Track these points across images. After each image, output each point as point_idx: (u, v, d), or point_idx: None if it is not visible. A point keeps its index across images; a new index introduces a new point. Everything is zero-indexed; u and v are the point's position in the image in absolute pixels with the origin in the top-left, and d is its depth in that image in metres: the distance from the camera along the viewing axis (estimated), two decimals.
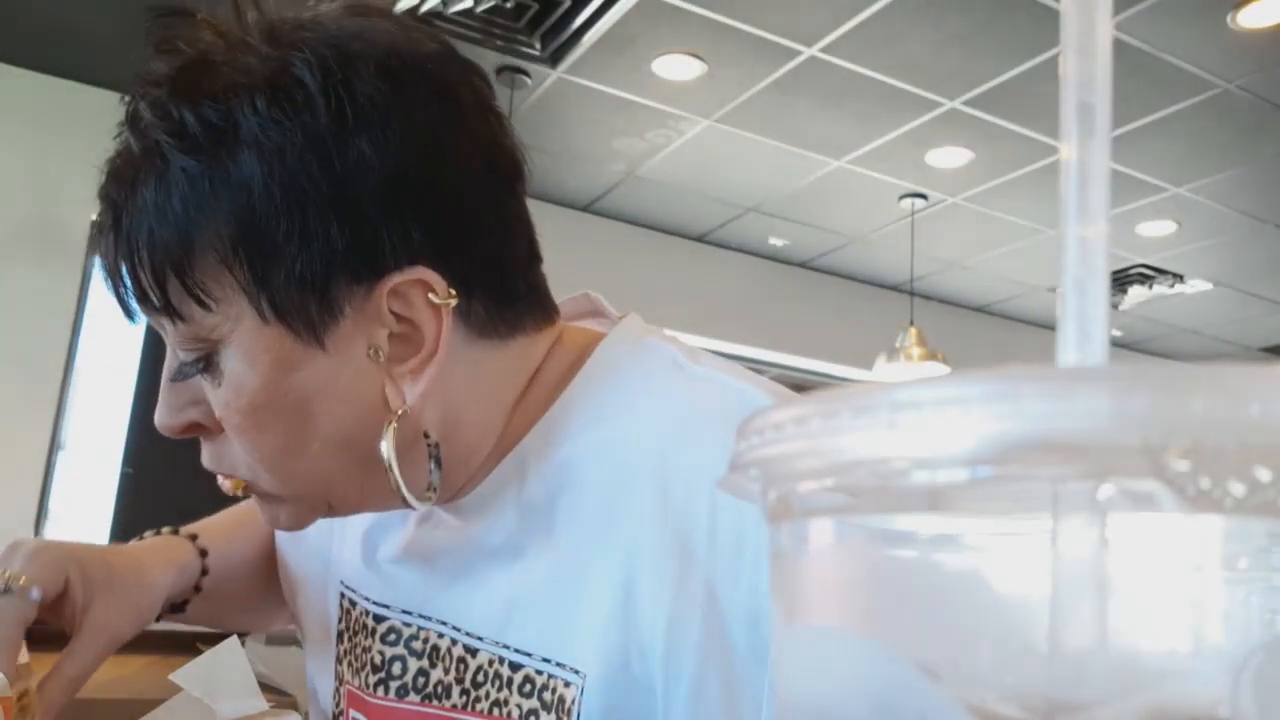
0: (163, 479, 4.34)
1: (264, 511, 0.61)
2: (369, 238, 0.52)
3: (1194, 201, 4.46)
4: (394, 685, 0.66)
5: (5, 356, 3.83)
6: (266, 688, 0.73)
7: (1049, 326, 4.63)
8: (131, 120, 0.55)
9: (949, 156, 4.20)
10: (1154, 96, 3.59)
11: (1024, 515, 0.20)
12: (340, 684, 0.72)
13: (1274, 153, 3.98)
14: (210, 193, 0.51)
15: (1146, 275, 5.37)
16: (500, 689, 0.60)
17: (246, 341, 0.53)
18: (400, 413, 0.54)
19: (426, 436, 0.56)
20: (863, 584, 0.23)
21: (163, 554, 0.73)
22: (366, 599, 0.71)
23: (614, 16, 3.35)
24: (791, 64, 3.50)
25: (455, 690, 0.63)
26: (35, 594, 0.62)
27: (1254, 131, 3.81)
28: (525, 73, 3.76)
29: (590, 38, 3.49)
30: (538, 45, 3.62)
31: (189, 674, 0.65)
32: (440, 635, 0.65)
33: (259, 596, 0.85)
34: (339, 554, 0.75)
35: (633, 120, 4.03)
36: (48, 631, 0.92)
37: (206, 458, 0.59)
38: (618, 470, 0.58)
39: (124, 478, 4.05)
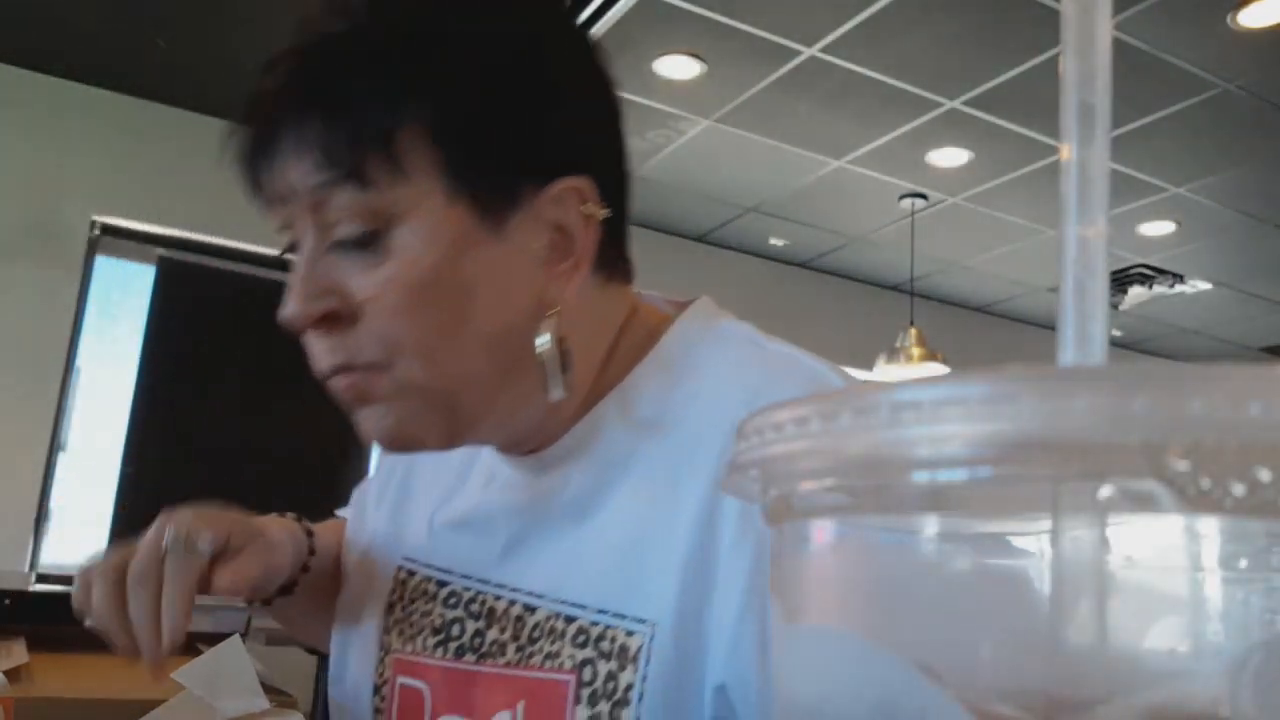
0: (163, 479, 4.35)
1: (371, 418, 0.59)
2: (550, 140, 0.59)
3: (1194, 201, 4.46)
4: (453, 646, 0.68)
5: (5, 356, 3.83)
6: (266, 688, 0.73)
7: (1049, 326, 4.63)
8: (338, 9, 0.58)
9: (949, 156, 4.20)
10: (1154, 96, 3.59)
11: (1024, 515, 0.20)
12: (386, 654, 0.73)
13: (1274, 153, 3.98)
14: (424, 78, 0.55)
15: (1146, 275, 5.37)
16: (554, 642, 0.62)
17: (428, 218, 0.55)
18: (554, 311, 0.58)
19: (561, 341, 0.59)
20: (863, 584, 0.23)
21: (282, 525, 0.74)
22: (429, 566, 0.73)
23: (614, 16, 3.35)
24: (791, 64, 3.50)
25: (510, 648, 0.65)
26: (206, 547, 0.62)
27: (1254, 131, 3.81)
28: None
29: (590, 38, 3.48)
30: None
31: (191, 673, 0.66)
32: (498, 598, 0.67)
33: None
34: (403, 531, 0.77)
35: (633, 120, 4.00)
36: (49, 631, 0.92)
37: (326, 354, 0.58)
38: (694, 429, 0.61)
39: (124, 478, 4.05)
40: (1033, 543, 0.20)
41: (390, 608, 0.74)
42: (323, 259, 0.57)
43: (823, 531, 0.22)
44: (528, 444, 0.66)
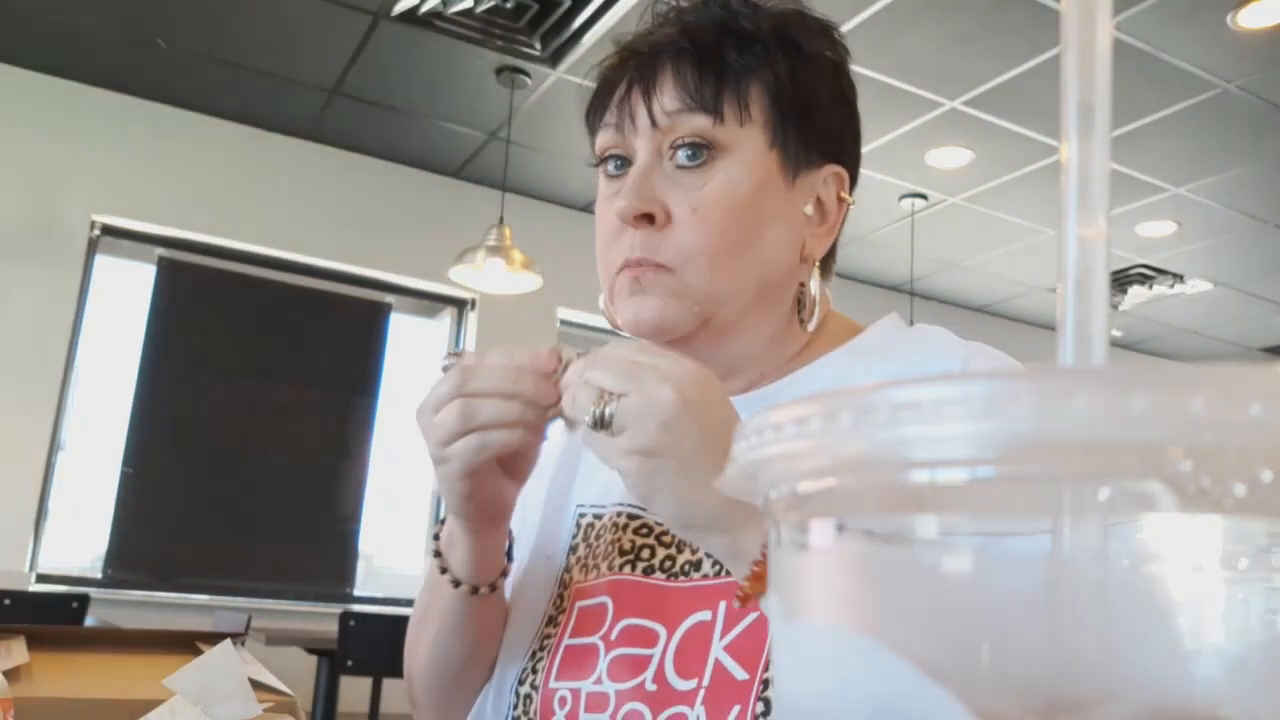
0: (163, 479, 4.35)
1: (642, 305, 0.72)
2: (835, 133, 0.77)
3: (1194, 201, 4.46)
4: (641, 566, 0.73)
5: (5, 356, 3.83)
6: (266, 688, 0.73)
7: (1049, 326, 4.63)
8: (717, 2, 0.76)
9: (949, 156, 4.20)
10: (1154, 96, 3.59)
11: (1024, 515, 0.20)
12: (564, 590, 0.78)
13: (1274, 153, 3.98)
14: (770, 59, 0.73)
15: (1146, 275, 5.37)
16: None
17: (750, 156, 0.72)
18: (812, 261, 0.76)
19: (802, 286, 0.76)
20: (863, 584, 0.23)
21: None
22: (620, 504, 0.78)
23: (614, 16, 3.35)
24: None
25: (706, 564, 0.71)
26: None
27: (1254, 131, 3.81)
28: (525, 73, 3.76)
29: (590, 38, 3.49)
30: (538, 45, 3.62)
31: (182, 679, 0.65)
32: None
33: (488, 646, 0.82)
34: (575, 484, 0.84)
35: None
36: (49, 631, 0.92)
37: (634, 246, 0.72)
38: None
39: (124, 478, 4.05)
40: (1033, 543, 0.20)
41: (573, 549, 0.80)
42: (654, 173, 0.72)
43: (823, 531, 0.22)
44: (728, 382, 0.75)
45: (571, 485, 0.84)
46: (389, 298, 4.73)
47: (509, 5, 3.40)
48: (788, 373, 0.77)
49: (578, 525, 0.81)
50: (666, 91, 0.72)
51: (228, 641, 0.69)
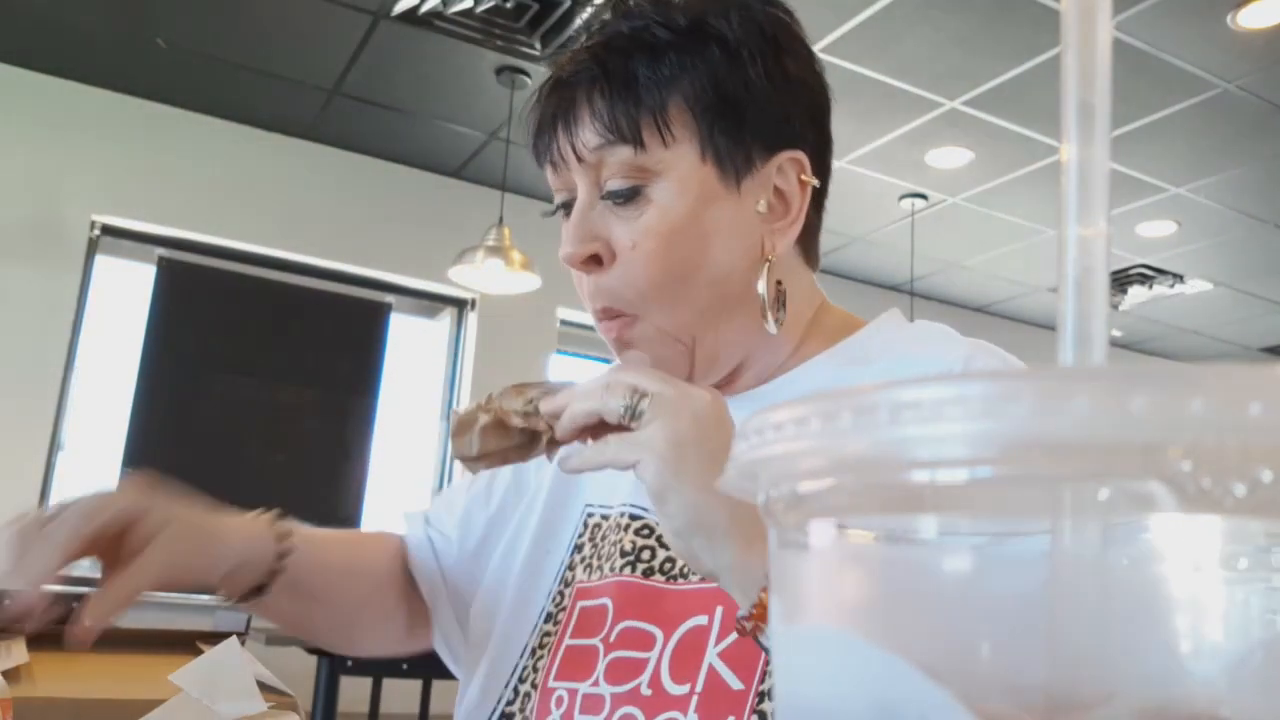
0: (163, 479, 4.33)
1: (625, 354, 0.72)
2: (783, 119, 0.72)
3: (1194, 201, 4.46)
4: (640, 567, 0.73)
5: (5, 356, 3.83)
6: (266, 688, 0.73)
7: (1049, 326, 4.62)
8: (624, 13, 0.72)
9: (949, 156, 4.20)
10: (1154, 96, 3.59)
11: (1024, 515, 0.20)
12: (566, 587, 0.78)
13: (1274, 153, 3.98)
14: (688, 65, 0.69)
15: (1146, 275, 5.37)
16: None
17: (682, 175, 0.69)
18: (771, 259, 0.72)
19: (779, 284, 0.73)
20: (863, 584, 0.23)
21: (238, 523, 0.74)
22: (624, 504, 0.78)
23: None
24: None
25: None
26: (107, 495, 0.65)
27: (1254, 131, 3.81)
28: (525, 73, 3.76)
29: None
30: (538, 45, 3.62)
31: (188, 675, 0.65)
32: None
33: (359, 604, 0.84)
34: (582, 481, 0.83)
35: None
36: (48, 633, 0.92)
37: (593, 295, 0.72)
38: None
39: (124, 478, 4.05)
40: (1033, 543, 0.20)
41: (579, 548, 0.79)
42: (593, 211, 0.71)
43: (823, 531, 0.22)
44: (728, 387, 0.76)
45: (580, 483, 0.83)
46: (389, 298, 4.73)
47: (509, 5, 3.40)
48: (784, 371, 0.76)
49: (585, 524, 0.80)
50: (585, 126, 0.70)
51: (233, 638, 0.69)
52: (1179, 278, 5.39)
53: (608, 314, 0.71)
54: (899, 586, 0.22)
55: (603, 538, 0.78)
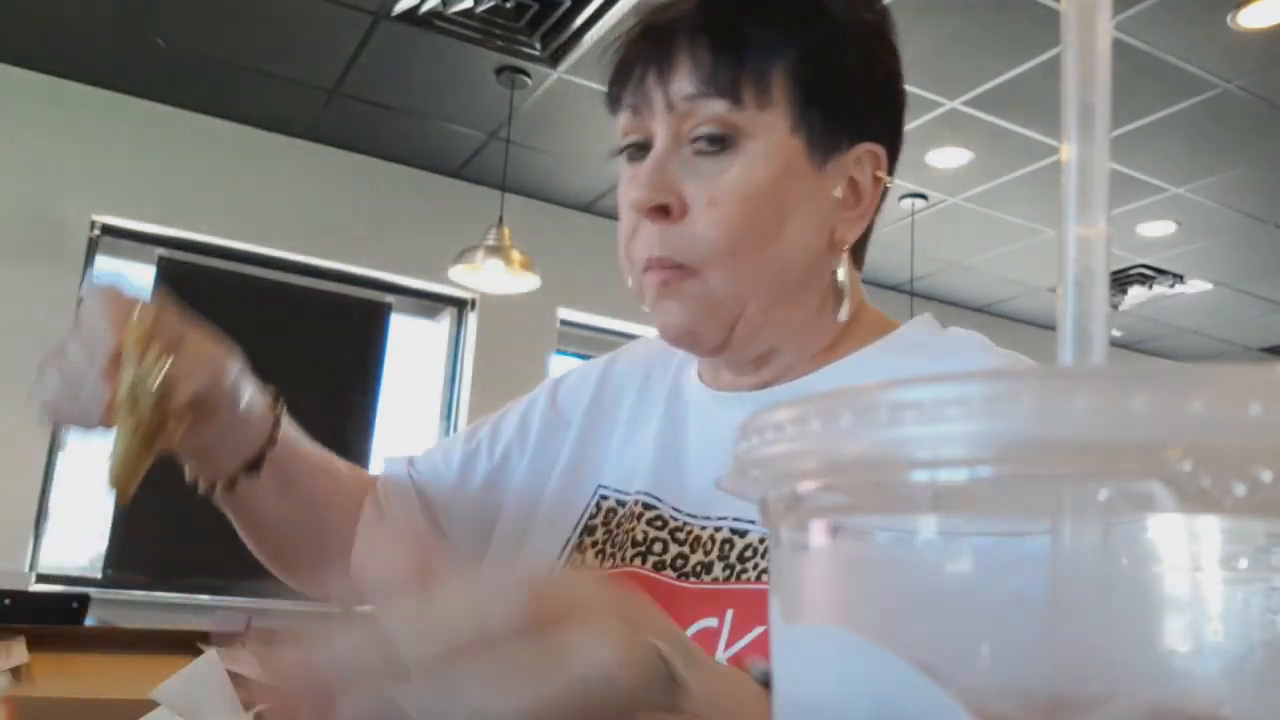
0: (163, 479, 4.33)
1: (668, 312, 0.69)
2: (871, 110, 0.72)
3: (1194, 201, 4.46)
4: (651, 560, 0.72)
5: (5, 356, 3.83)
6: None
7: (1049, 326, 4.61)
8: None
9: (949, 156, 4.20)
10: (1154, 96, 3.59)
11: (1024, 515, 0.20)
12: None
13: (1274, 153, 3.98)
14: (795, 36, 0.69)
15: (1146, 275, 5.37)
16: (766, 557, 0.65)
17: (773, 142, 0.68)
18: (843, 248, 0.71)
19: (836, 277, 0.72)
20: (863, 584, 0.23)
21: (247, 376, 0.76)
22: (639, 492, 0.76)
23: (614, 16, 3.35)
24: None
25: (718, 567, 0.69)
26: (113, 283, 0.65)
27: (1254, 131, 3.81)
28: (525, 73, 3.76)
29: (590, 38, 3.48)
30: (538, 45, 3.62)
31: (168, 690, 0.65)
32: (703, 528, 0.71)
33: (327, 515, 0.84)
34: (600, 458, 0.82)
35: None
36: (48, 633, 0.92)
37: (651, 244, 0.68)
38: None
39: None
40: (1033, 543, 0.20)
41: (590, 530, 0.78)
42: (671, 160, 0.68)
43: (823, 531, 0.22)
44: (755, 374, 0.75)
45: (597, 461, 0.82)
46: (389, 298, 4.73)
47: (509, 5, 3.40)
48: (818, 366, 0.74)
49: (598, 507, 0.79)
50: (682, 75, 0.68)
51: (212, 651, 0.68)
52: (1179, 278, 5.39)
53: (661, 263, 0.68)
54: (899, 586, 0.22)
55: (617, 524, 0.77)
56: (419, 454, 0.92)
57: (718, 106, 0.67)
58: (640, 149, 0.71)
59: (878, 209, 0.75)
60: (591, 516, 0.79)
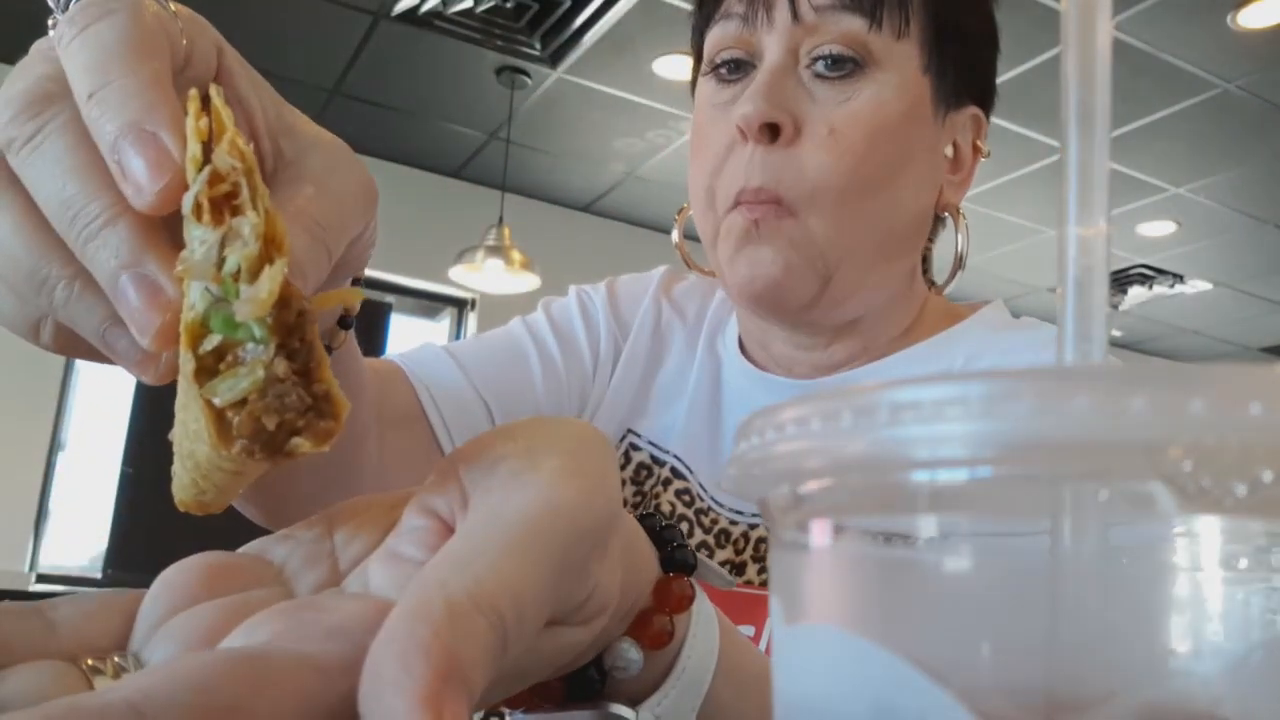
0: (163, 479, 4.33)
1: (756, 258, 0.60)
2: (986, 71, 0.70)
3: (1194, 201, 4.46)
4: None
5: (5, 356, 3.83)
6: None
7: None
8: None
9: None
10: (1154, 96, 3.59)
11: (1024, 515, 0.20)
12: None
13: (1274, 153, 3.98)
14: None
15: (1146, 275, 5.37)
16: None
17: (903, 76, 0.62)
18: (952, 212, 0.67)
19: (929, 246, 0.68)
20: (863, 584, 0.23)
21: None
22: (670, 454, 0.70)
23: (614, 16, 3.35)
24: None
25: (751, 568, 0.63)
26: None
27: (1254, 131, 3.81)
28: (525, 73, 3.76)
29: (590, 38, 3.48)
30: (538, 45, 3.62)
31: None
32: (734, 522, 0.66)
33: (369, 418, 0.64)
34: (641, 405, 0.73)
35: (633, 120, 4.02)
36: None
37: (752, 170, 0.59)
38: None
39: (124, 478, 4.05)
40: (1033, 543, 0.20)
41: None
42: (789, 78, 0.61)
43: (823, 531, 0.22)
44: (832, 350, 0.68)
45: (631, 407, 0.73)
46: (389, 298, 4.73)
47: (509, 5, 3.40)
48: (893, 350, 0.68)
49: (627, 457, 0.71)
50: None
51: None
52: (1179, 278, 5.39)
53: (760, 195, 0.60)
54: (899, 586, 0.22)
55: (643, 474, 0.69)
56: (455, 345, 0.76)
57: (854, 23, 0.60)
58: (737, 66, 0.63)
59: (970, 181, 0.70)
60: (621, 467, 0.70)
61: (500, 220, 3.81)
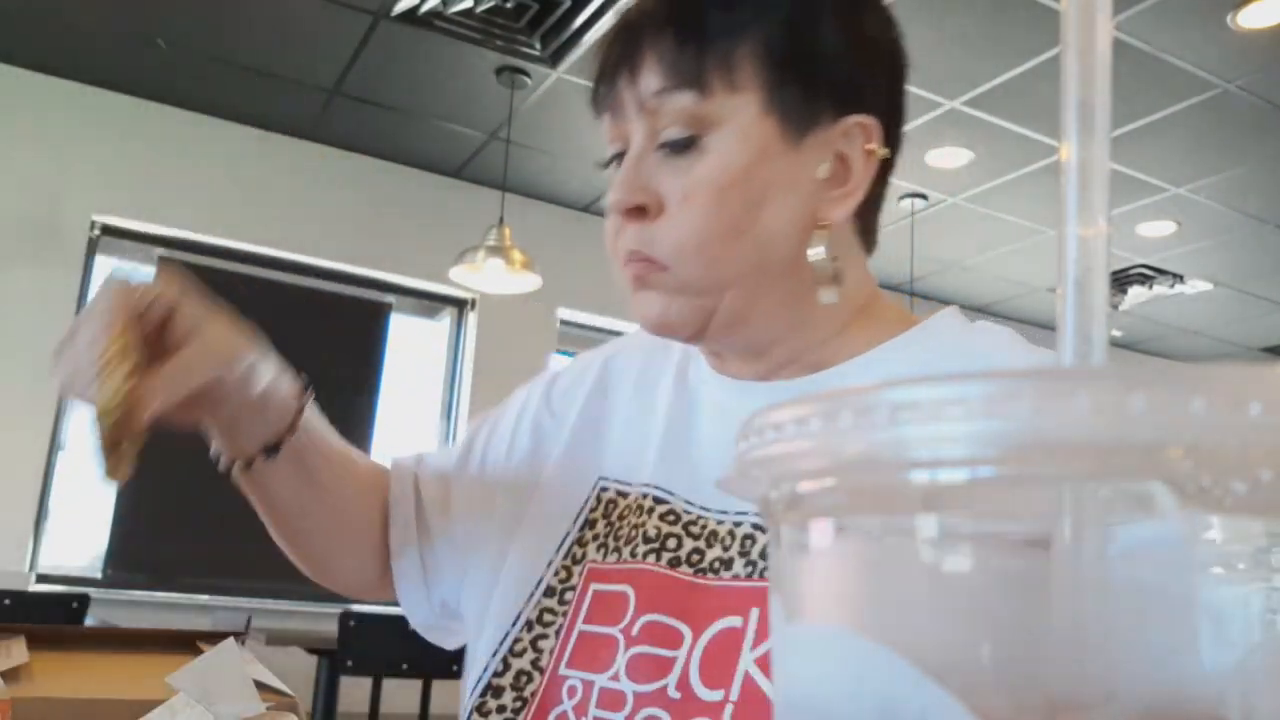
0: (163, 479, 4.34)
1: (644, 302, 0.70)
2: (856, 80, 0.69)
3: (1194, 201, 4.46)
4: (666, 556, 0.70)
5: (5, 356, 3.83)
6: (266, 688, 0.73)
7: (1049, 326, 4.61)
8: None
9: (949, 156, 4.20)
10: (1154, 96, 3.59)
11: (1024, 515, 0.20)
12: (574, 564, 0.75)
13: (1274, 153, 3.98)
14: (762, 12, 0.67)
15: (1146, 275, 5.37)
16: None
17: (743, 126, 0.66)
18: (825, 225, 0.68)
19: (834, 259, 0.69)
20: (863, 584, 0.23)
21: (271, 360, 0.74)
22: (645, 484, 0.74)
23: (614, 17, 3.35)
24: None
25: (739, 563, 0.67)
26: (128, 277, 0.65)
27: (1254, 131, 3.81)
28: (525, 73, 3.76)
29: (590, 38, 3.48)
30: (538, 45, 3.62)
31: (185, 677, 0.65)
32: (720, 522, 0.69)
33: (345, 505, 0.83)
34: (602, 449, 0.80)
35: None
36: (49, 631, 0.92)
37: (627, 239, 0.68)
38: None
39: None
40: (1033, 542, 0.20)
41: (590, 524, 0.76)
42: (646, 160, 0.68)
43: (823, 531, 0.22)
44: (761, 363, 0.73)
45: (595, 454, 0.80)
46: (389, 298, 4.73)
47: (509, 5, 3.40)
48: (828, 358, 0.71)
49: (598, 499, 0.77)
50: (649, 70, 0.67)
51: (230, 640, 0.69)
52: (1179, 278, 5.39)
53: (635, 256, 0.68)
54: (899, 586, 0.22)
55: (620, 517, 0.74)
56: (429, 453, 0.91)
57: (685, 99, 0.66)
58: (621, 156, 0.70)
59: (883, 184, 0.72)
60: (591, 510, 0.76)
61: (500, 220, 3.81)
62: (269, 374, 0.71)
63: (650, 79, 0.67)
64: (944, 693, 0.19)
